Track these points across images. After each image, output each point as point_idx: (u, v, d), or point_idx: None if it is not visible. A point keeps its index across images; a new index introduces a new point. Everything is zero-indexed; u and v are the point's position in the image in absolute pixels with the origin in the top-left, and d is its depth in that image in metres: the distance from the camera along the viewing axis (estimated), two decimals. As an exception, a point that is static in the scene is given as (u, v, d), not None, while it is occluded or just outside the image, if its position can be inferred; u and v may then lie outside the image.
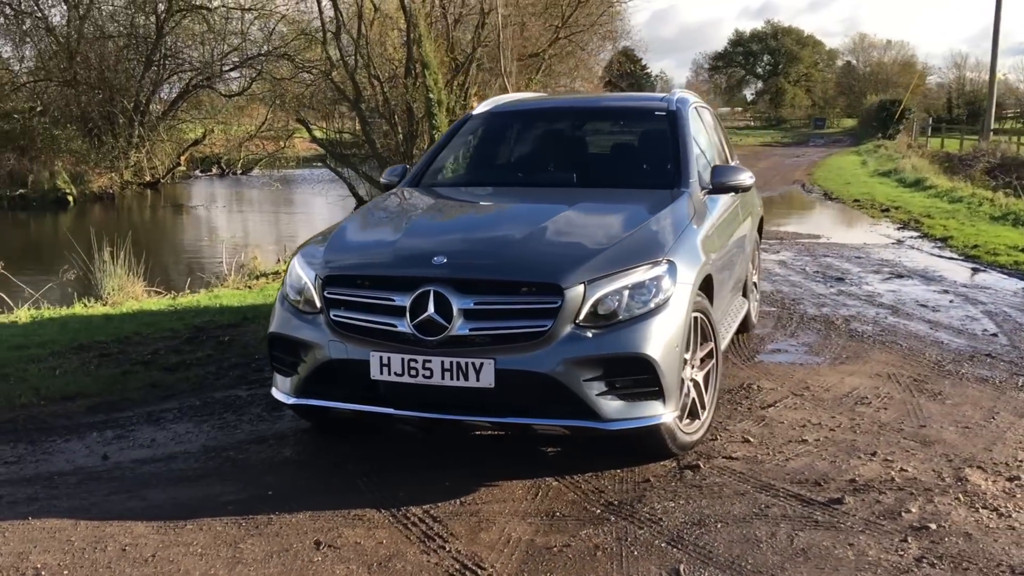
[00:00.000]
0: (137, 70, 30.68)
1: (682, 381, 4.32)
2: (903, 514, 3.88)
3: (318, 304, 4.38)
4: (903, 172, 26.67)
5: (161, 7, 30.12)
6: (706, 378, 4.75)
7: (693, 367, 4.61)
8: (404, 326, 4.13)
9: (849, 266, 10.96)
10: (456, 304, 4.07)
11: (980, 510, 3.91)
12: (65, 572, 3.49)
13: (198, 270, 11.05)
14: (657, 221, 4.72)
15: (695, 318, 4.56)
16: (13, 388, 5.82)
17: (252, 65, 30.94)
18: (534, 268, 4.18)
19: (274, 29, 29.91)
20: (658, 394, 4.16)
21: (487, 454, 4.66)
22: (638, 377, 4.12)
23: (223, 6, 30.52)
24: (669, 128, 5.64)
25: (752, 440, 4.81)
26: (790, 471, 4.39)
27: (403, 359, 4.12)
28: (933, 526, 3.76)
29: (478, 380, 4.05)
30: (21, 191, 25.72)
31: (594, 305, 4.10)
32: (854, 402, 5.44)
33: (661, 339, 4.14)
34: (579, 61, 42.18)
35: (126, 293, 9.37)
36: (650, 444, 4.42)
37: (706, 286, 4.84)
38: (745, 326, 7.13)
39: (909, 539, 3.65)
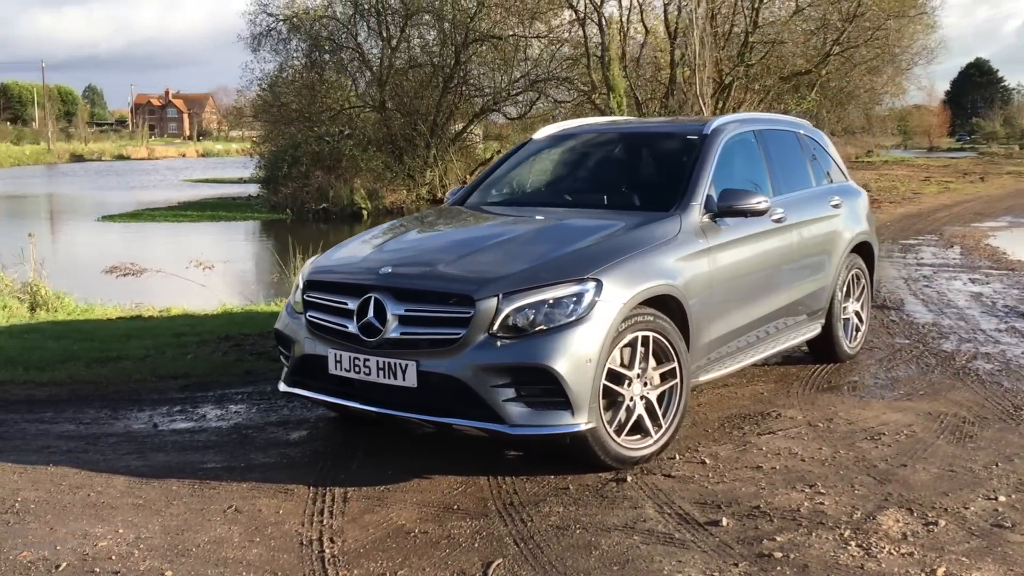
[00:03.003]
0: (435, 95, 33.26)
1: (598, 393, 4.46)
2: (764, 541, 3.83)
3: (302, 306, 5.03)
4: None
5: (459, 38, 32.54)
6: (664, 397, 4.84)
7: (646, 384, 4.75)
8: (353, 327, 4.67)
9: (1057, 302, 9.92)
10: (391, 310, 4.57)
11: (850, 547, 3.76)
12: (32, 506, 4.36)
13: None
14: (607, 241, 4.91)
15: (644, 337, 4.70)
16: (140, 366, 6.97)
17: (536, 88, 32.51)
18: (454, 280, 4.58)
19: (555, 53, 31.23)
20: (565, 404, 4.38)
21: (455, 453, 5.02)
22: (544, 387, 4.38)
23: (514, 35, 32.35)
24: (695, 153, 5.70)
25: (708, 462, 4.82)
26: (707, 493, 4.40)
27: (350, 357, 4.67)
28: (779, 555, 3.69)
29: (404, 380, 4.51)
30: (324, 205, 28.98)
31: (509, 317, 4.41)
32: (863, 437, 5.21)
33: (569, 352, 4.36)
34: (888, 76, 40.18)
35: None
36: (578, 453, 4.62)
37: (675, 308, 4.93)
38: (832, 356, 6.90)
39: (740, 564, 3.64)
